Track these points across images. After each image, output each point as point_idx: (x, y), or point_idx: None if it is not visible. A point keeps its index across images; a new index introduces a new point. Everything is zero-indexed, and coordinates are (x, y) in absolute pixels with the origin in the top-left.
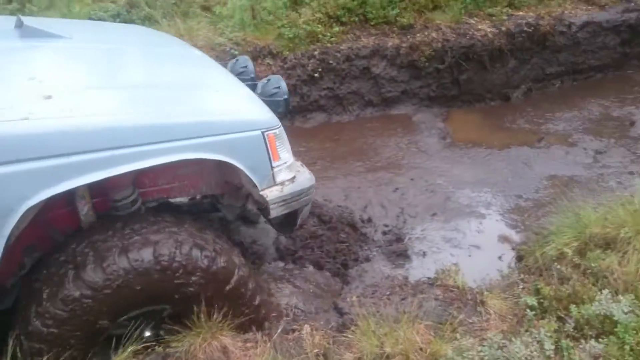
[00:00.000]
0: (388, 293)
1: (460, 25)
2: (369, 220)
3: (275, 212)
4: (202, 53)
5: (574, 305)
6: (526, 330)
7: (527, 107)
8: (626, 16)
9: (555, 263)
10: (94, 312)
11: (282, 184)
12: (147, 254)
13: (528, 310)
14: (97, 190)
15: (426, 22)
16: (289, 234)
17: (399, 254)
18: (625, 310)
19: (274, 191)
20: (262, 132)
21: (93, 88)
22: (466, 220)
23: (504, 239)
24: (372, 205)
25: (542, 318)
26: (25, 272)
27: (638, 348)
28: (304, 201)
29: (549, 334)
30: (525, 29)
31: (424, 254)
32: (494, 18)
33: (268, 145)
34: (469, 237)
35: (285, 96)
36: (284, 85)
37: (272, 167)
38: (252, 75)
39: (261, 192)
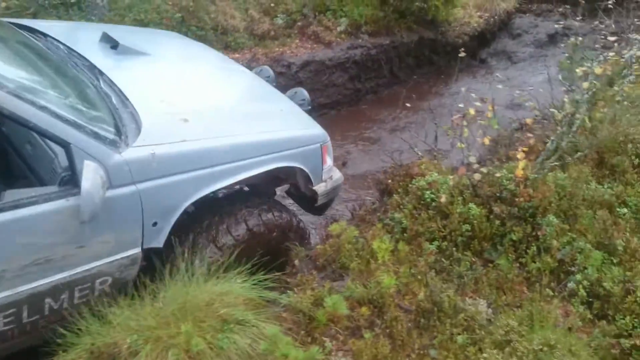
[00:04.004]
0: None
1: None
2: None
3: (321, 201)
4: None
5: None
6: None
7: None
8: (351, 53)
9: None
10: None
11: (325, 181)
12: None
13: None
14: None
15: None
16: (320, 215)
17: None
18: None
19: (322, 186)
20: (320, 145)
21: (212, 111)
22: None
23: None
24: None
25: None
26: None
27: None
28: (336, 192)
29: None
30: None
31: None
32: None
33: (322, 154)
34: None
35: (309, 107)
36: (307, 96)
37: (322, 169)
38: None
39: (314, 188)
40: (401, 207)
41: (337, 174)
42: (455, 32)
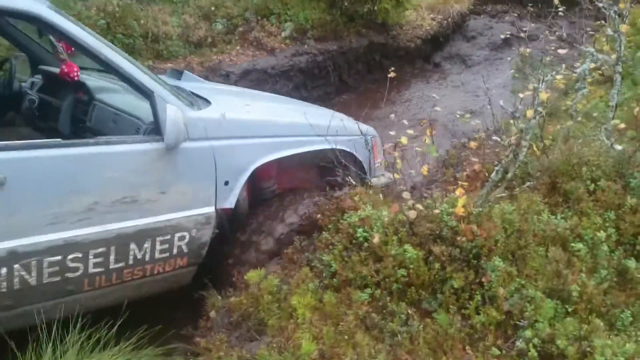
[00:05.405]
0: None
1: None
2: None
3: None
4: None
5: None
6: None
7: None
8: (296, 60)
9: None
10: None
11: (377, 176)
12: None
13: None
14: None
15: None
16: None
17: None
18: None
19: (373, 180)
20: (370, 138)
21: (268, 107)
22: None
23: None
24: None
25: None
26: None
27: None
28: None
29: None
30: None
31: None
32: None
33: (372, 147)
34: None
35: None
36: None
37: (373, 163)
38: None
39: (367, 179)
40: (331, 247)
41: (387, 174)
42: (407, 36)
